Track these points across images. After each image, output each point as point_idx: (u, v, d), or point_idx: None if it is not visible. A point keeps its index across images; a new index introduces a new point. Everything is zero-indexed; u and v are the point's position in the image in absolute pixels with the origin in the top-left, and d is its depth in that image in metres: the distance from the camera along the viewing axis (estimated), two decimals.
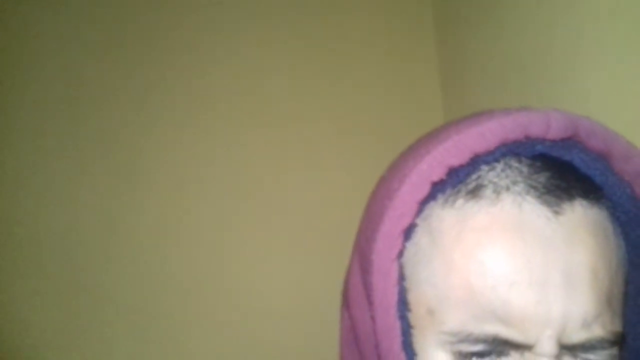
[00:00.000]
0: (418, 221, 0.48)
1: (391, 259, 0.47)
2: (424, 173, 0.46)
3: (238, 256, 1.31)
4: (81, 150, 1.21)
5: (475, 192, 0.46)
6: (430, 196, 0.47)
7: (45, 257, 1.16)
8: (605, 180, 0.48)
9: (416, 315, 0.47)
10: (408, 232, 0.48)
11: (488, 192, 0.45)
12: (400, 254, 0.47)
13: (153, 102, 1.28)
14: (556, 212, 0.44)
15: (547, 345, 0.43)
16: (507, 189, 0.45)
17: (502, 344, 0.44)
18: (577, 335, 0.43)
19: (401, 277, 0.48)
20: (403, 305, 0.47)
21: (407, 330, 0.47)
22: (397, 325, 0.46)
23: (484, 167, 0.47)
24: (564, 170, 0.46)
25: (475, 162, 0.46)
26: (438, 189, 0.47)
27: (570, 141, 0.47)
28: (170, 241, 1.26)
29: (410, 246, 0.48)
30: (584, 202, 0.46)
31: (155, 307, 1.23)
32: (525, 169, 0.46)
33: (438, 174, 0.46)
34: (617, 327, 0.45)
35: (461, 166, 0.46)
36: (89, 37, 1.22)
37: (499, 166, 0.46)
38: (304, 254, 1.34)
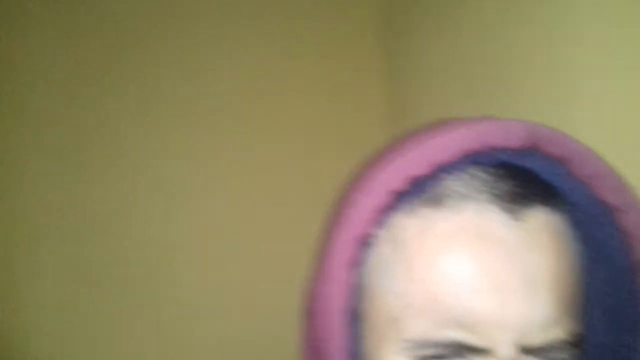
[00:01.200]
0: (381, 232, 0.48)
1: (342, 264, 0.47)
2: (384, 182, 0.46)
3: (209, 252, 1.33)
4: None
5: (438, 201, 0.46)
6: (394, 206, 0.47)
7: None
8: (565, 184, 0.48)
9: (374, 324, 0.47)
10: (369, 242, 0.48)
11: (451, 201, 0.46)
12: (358, 263, 0.48)
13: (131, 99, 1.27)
14: (517, 219, 0.45)
15: (505, 350, 0.44)
16: (470, 197, 0.46)
17: (463, 349, 0.45)
18: (538, 338, 0.44)
19: (357, 287, 0.48)
20: (354, 314, 0.48)
21: (357, 340, 0.48)
22: (340, 331, 0.47)
23: (448, 177, 0.47)
24: (525, 177, 0.47)
25: (439, 171, 0.47)
26: (403, 200, 0.47)
27: (530, 149, 0.47)
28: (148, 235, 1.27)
29: (373, 256, 0.48)
30: (545, 209, 0.47)
31: (141, 300, 1.25)
32: (488, 178, 0.47)
33: (398, 183, 0.46)
34: (577, 328, 0.47)
35: (424, 176, 0.46)
36: (84, 36, 1.23)
37: (462, 175, 0.47)
38: (248, 251, 1.36)
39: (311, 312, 0.50)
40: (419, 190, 0.47)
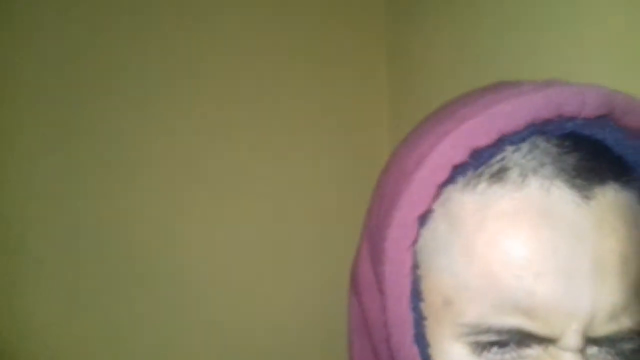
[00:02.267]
0: (435, 206, 0.44)
1: (406, 247, 0.43)
2: (446, 155, 0.42)
3: (229, 253, 1.32)
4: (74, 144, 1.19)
5: (499, 176, 0.42)
6: (450, 179, 0.43)
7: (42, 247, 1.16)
8: (638, 159, 0.44)
9: (430, 305, 0.44)
10: (424, 218, 0.44)
11: (513, 175, 0.42)
12: (415, 241, 0.44)
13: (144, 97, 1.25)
14: (586, 197, 0.41)
15: (572, 340, 0.40)
16: (534, 171, 0.42)
17: (523, 337, 0.41)
18: (604, 328, 0.41)
19: (414, 265, 0.45)
20: (416, 295, 0.45)
21: (419, 322, 0.44)
22: (409, 317, 0.44)
23: (509, 148, 0.43)
24: (595, 150, 0.43)
25: (500, 141, 0.42)
26: (458, 172, 0.43)
27: (603, 118, 0.43)
28: (163, 237, 1.26)
29: (426, 232, 0.45)
30: (616, 186, 0.43)
31: (148, 301, 1.24)
32: (553, 150, 0.42)
33: (461, 156, 0.42)
34: None
35: (486, 147, 0.42)
36: (83, 34, 1.21)
37: (525, 146, 0.43)
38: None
39: (370, 295, 0.47)
40: (477, 161, 0.43)
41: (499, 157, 0.43)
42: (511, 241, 0.41)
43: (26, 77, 1.15)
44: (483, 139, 0.42)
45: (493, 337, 0.41)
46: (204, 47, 1.30)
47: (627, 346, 0.42)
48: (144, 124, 1.24)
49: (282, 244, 1.35)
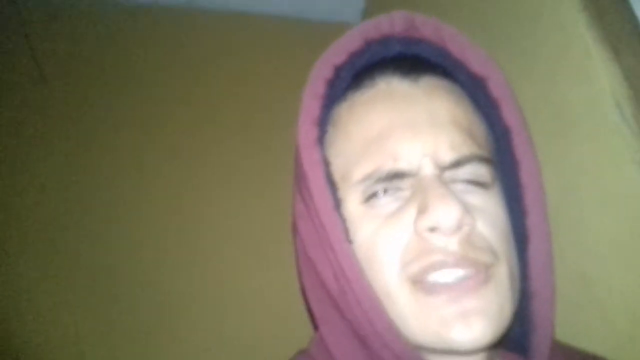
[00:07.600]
0: (327, 128, 0.64)
1: (313, 141, 0.61)
2: (317, 74, 0.63)
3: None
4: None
5: (357, 84, 0.63)
6: (330, 103, 0.63)
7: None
8: (447, 63, 0.65)
9: (340, 188, 0.61)
10: (324, 131, 0.63)
11: (366, 80, 0.63)
12: (319, 138, 0.62)
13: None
14: (416, 80, 0.62)
15: (427, 166, 0.58)
16: (380, 74, 0.63)
17: (396, 178, 0.58)
18: (449, 155, 0.58)
19: (325, 161, 0.62)
20: (332, 184, 0.61)
21: (339, 204, 0.61)
22: (328, 195, 0.59)
23: (359, 66, 0.64)
24: (419, 59, 0.64)
25: (352, 59, 0.63)
26: (334, 95, 0.63)
27: (416, 39, 0.64)
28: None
29: (324, 142, 0.63)
30: (435, 76, 0.63)
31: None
32: (389, 60, 0.64)
33: (327, 72, 0.63)
34: (485, 154, 0.60)
35: (344, 64, 0.63)
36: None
37: (371, 64, 0.64)
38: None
39: (305, 225, 0.63)
40: (343, 81, 0.63)
41: (355, 74, 0.64)
42: (372, 114, 0.61)
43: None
44: (339, 58, 0.63)
45: (375, 186, 0.58)
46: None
47: (474, 169, 0.59)
48: (145, 167, 1.29)
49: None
